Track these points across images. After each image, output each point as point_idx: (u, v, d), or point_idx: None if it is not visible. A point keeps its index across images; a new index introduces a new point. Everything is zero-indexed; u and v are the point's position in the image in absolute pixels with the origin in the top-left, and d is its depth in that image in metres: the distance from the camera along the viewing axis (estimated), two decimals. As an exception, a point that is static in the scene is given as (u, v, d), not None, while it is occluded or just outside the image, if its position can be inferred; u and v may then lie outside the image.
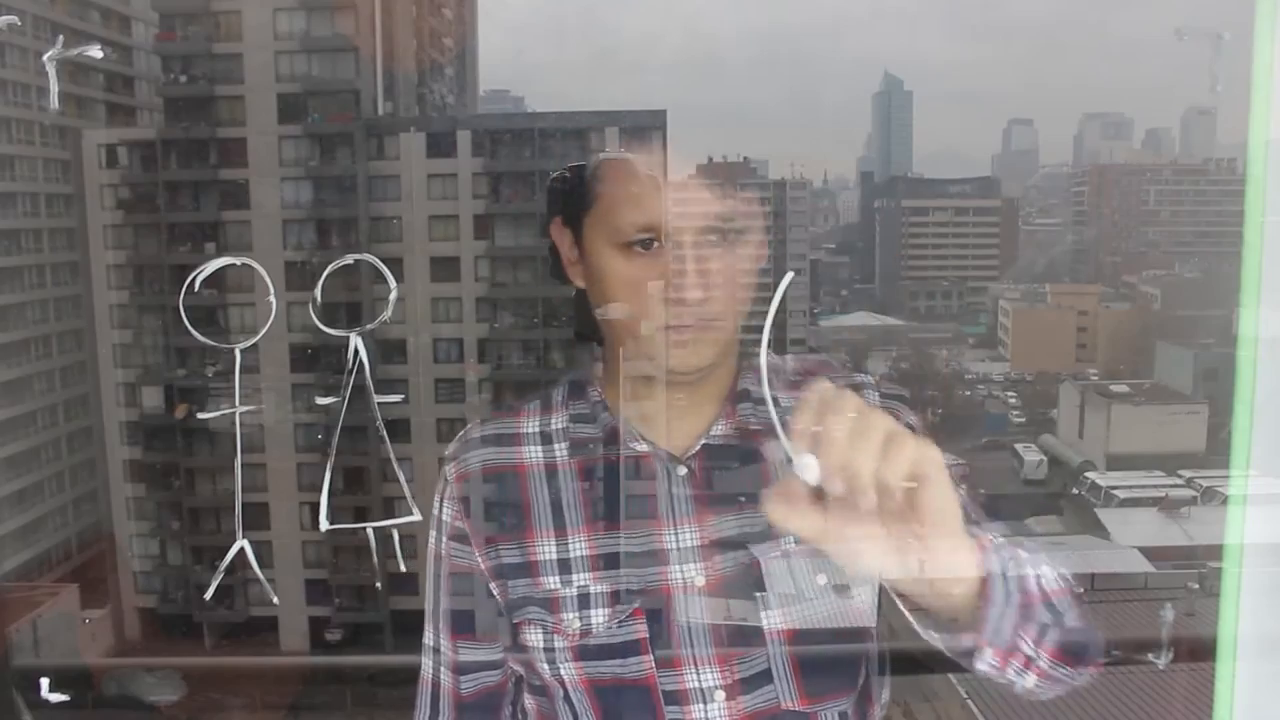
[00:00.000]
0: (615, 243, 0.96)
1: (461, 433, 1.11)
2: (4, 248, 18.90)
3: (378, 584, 18.65)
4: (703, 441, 1.02)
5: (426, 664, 1.12)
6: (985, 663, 0.83)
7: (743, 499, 1.00)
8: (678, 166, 0.96)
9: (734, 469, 1.01)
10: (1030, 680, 0.85)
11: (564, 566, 1.01)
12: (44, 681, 1.46)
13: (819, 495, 0.74)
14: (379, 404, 1.07)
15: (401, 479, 1.12)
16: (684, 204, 0.95)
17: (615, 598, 0.99)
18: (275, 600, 19.61)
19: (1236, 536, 0.87)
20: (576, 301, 1.10)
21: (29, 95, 18.75)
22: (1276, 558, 0.88)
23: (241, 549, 1.12)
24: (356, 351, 1.06)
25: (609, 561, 1.00)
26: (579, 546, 1.01)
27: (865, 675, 1.03)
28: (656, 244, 0.95)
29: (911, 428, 0.89)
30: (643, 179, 0.96)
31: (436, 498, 1.08)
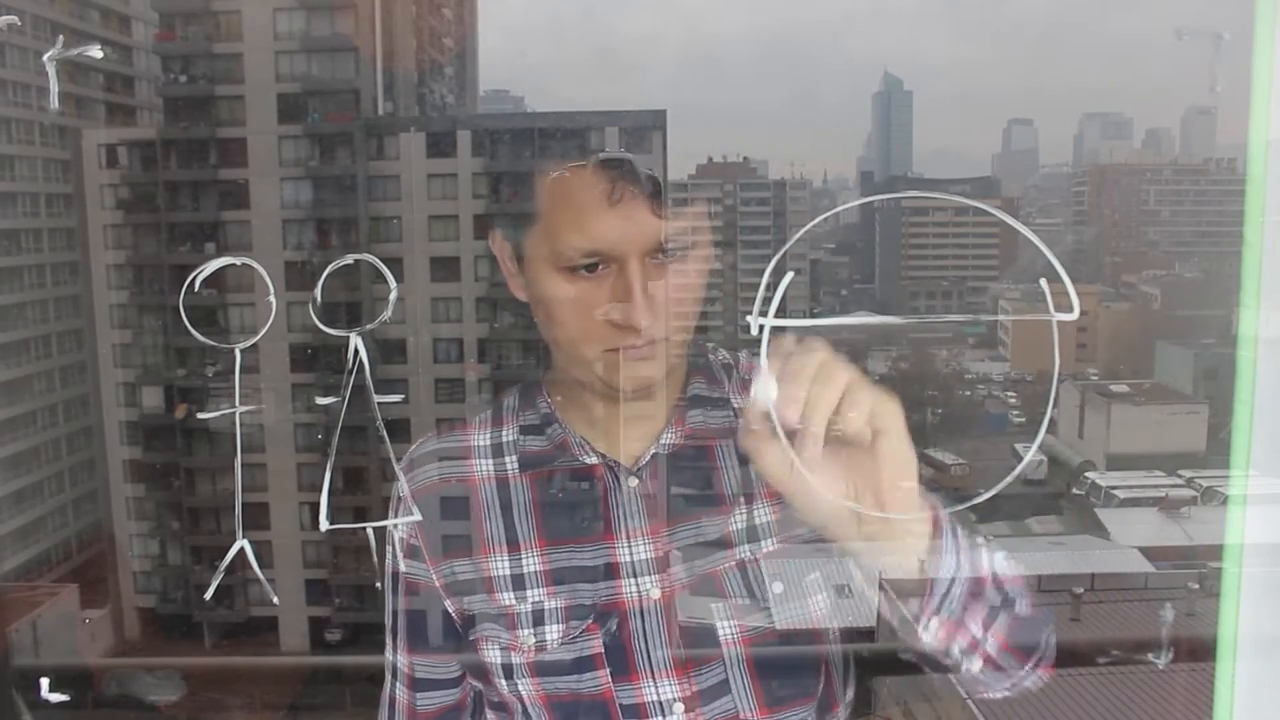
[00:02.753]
0: (558, 265, 0.93)
1: (413, 447, 1.10)
2: (4, 248, 18.90)
3: (378, 584, 18.61)
4: (652, 451, 1.00)
5: (387, 679, 1.12)
6: (931, 635, 0.83)
7: (695, 508, 0.99)
8: (621, 184, 0.91)
9: (685, 478, 1.00)
10: (976, 664, 0.85)
11: (518, 582, 1.00)
12: (44, 681, 1.46)
13: (786, 438, 0.75)
14: (379, 404, 1.07)
15: (401, 479, 1.12)
16: (629, 226, 0.91)
17: (569, 613, 0.99)
18: (275, 600, 19.62)
19: (1236, 536, 0.87)
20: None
21: (29, 95, 18.75)
22: (1276, 558, 0.88)
23: (241, 549, 1.12)
24: (356, 351, 1.06)
25: (562, 576, 0.99)
26: (532, 562, 1.00)
27: (826, 681, 1.02)
28: (601, 267, 0.92)
29: None
30: (584, 201, 0.92)
31: (390, 512, 1.07)
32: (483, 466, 1.05)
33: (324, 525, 1.13)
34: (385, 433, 1.12)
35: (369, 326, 1.09)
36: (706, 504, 0.99)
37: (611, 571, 0.99)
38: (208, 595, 21.16)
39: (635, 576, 0.99)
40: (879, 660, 1.13)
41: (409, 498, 1.06)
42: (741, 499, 0.99)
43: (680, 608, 0.98)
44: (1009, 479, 0.78)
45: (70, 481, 19.36)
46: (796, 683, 1.00)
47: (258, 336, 1.18)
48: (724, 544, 0.98)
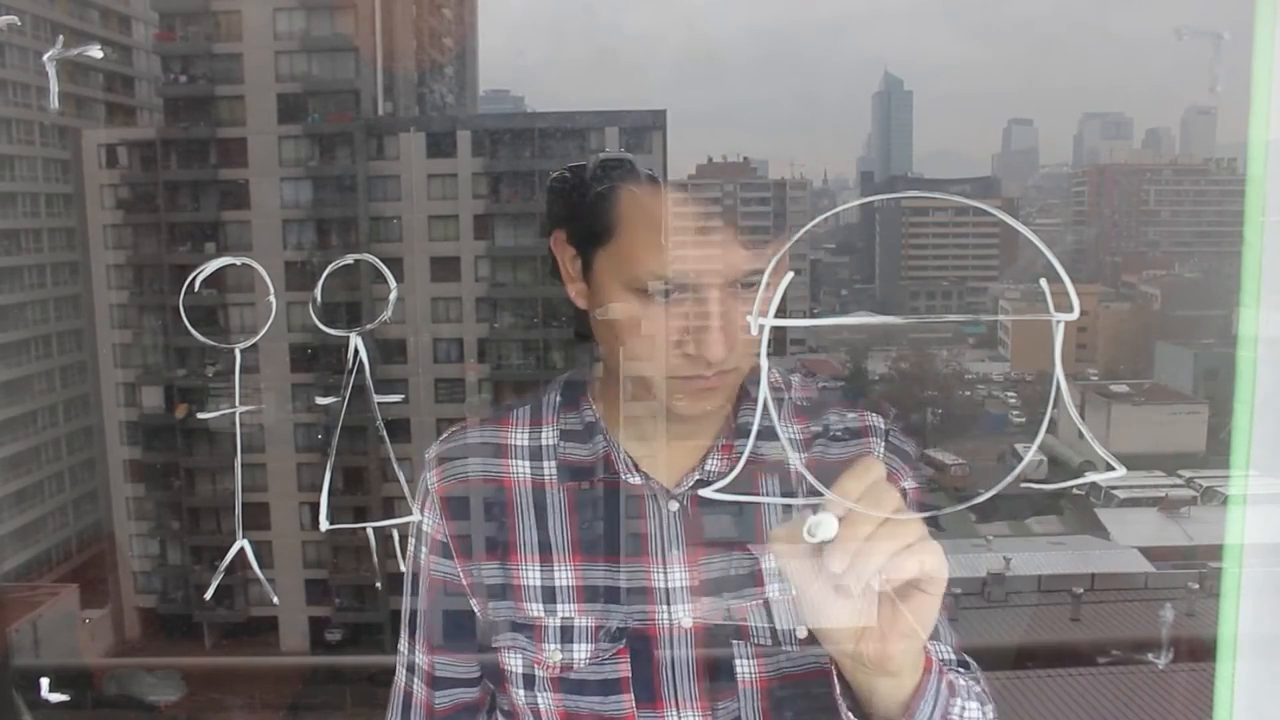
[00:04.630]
0: (632, 287, 0.90)
1: (444, 436, 1.06)
2: (4, 248, 18.89)
3: (378, 584, 18.64)
4: (697, 477, 0.97)
5: (401, 673, 1.09)
6: None
7: (733, 539, 0.97)
8: (715, 213, 0.89)
9: (726, 507, 0.96)
10: None
11: (548, 594, 0.98)
12: (44, 681, 1.46)
13: (817, 550, 0.74)
14: (379, 404, 1.06)
15: (401, 479, 1.11)
16: (716, 257, 0.88)
17: (599, 633, 0.97)
18: (275, 600, 19.61)
19: (1236, 536, 0.87)
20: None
21: (29, 95, 18.74)
22: (1276, 558, 0.88)
23: (241, 549, 1.12)
24: (356, 351, 1.05)
25: (595, 595, 0.97)
26: (565, 576, 0.98)
27: None
28: (676, 293, 0.88)
29: (905, 492, 0.90)
30: (674, 226, 0.89)
31: (416, 506, 1.05)
32: (519, 468, 1.02)
33: (324, 525, 1.13)
34: (385, 433, 1.12)
35: (369, 326, 1.08)
36: (744, 537, 0.97)
37: (646, 596, 0.97)
38: (208, 595, 21.14)
39: (669, 604, 0.97)
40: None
41: (437, 493, 1.03)
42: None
43: (710, 638, 0.97)
44: (1009, 479, 0.78)
45: (70, 481, 19.34)
46: None
47: (258, 336, 1.18)
48: (756, 580, 0.97)
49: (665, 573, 0.97)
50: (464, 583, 1.02)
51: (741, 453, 0.95)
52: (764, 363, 0.77)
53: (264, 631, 17.57)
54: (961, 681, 0.88)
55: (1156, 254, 28.04)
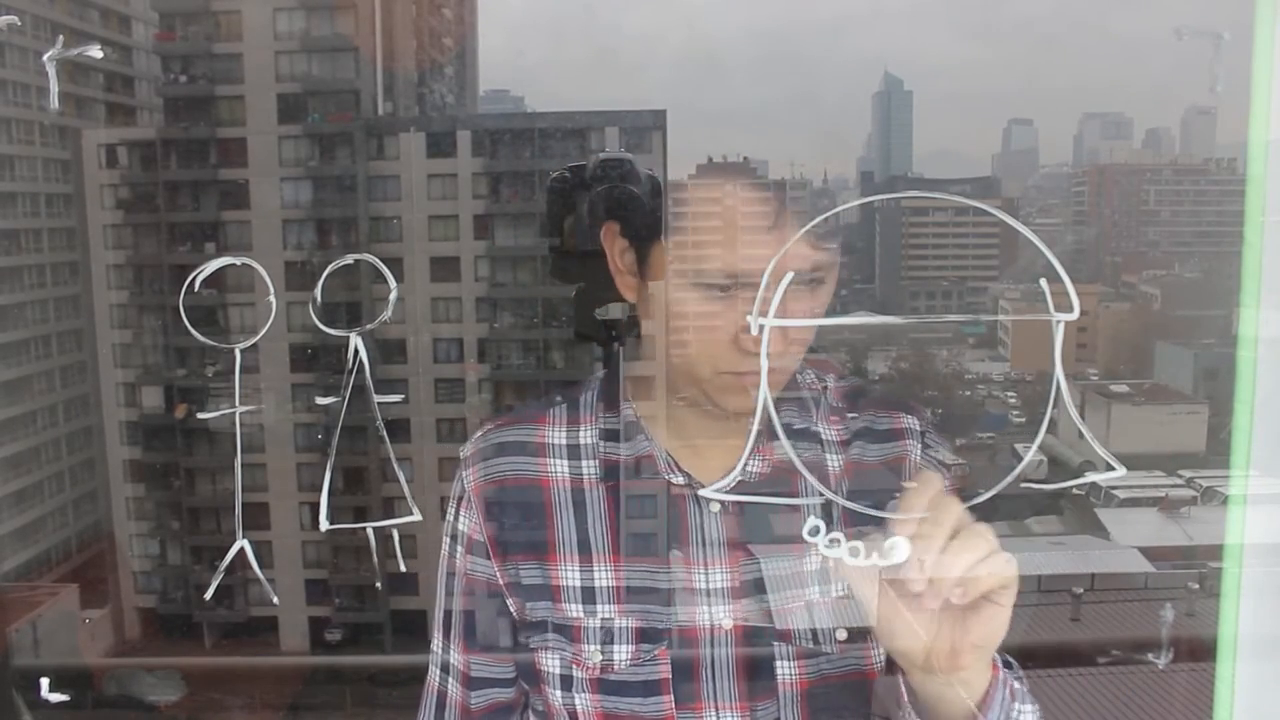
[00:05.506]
0: (693, 281, 0.90)
1: (479, 434, 1.05)
2: (4, 248, 18.88)
3: (378, 584, 18.63)
4: (738, 477, 0.96)
5: (434, 673, 1.08)
6: None
7: (773, 540, 0.97)
8: (785, 209, 0.89)
9: (767, 508, 0.97)
10: None
11: (588, 595, 0.98)
12: (44, 681, 1.46)
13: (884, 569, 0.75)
14: (379, 404, 1.06)
15: (401, 479, 1.12)
16: (780, 253, 0.87)
17: (640, 634, 0.96)
18: (275, 600, 19.58)
19: (1236, 536, 0.87)
20: (576, 301, 1.08)
21: (29, 95, 18.73)
22: (1276, 558, 0.88)
23: (241, 549, 1.12)
24: (356, 351, 1.05)
25: (635, 595, 0.97)
26: (605, 576, 0.97)
27: None
28: (735, 287, 0.88)
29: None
30: (744, 221, 0.89)
31: (452, 505, 1.04)
32: (557, 466, 1.01)
33: (324, 525, 1.13)
34: (385, 433, 1.12)
35: (369, 326, 1.08)
36: (784, 538, 0.97)
37: (687, 597, 0.96)
38: (208, 595, 21.14)
39: (710, 605, 0.96)
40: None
41: (474, 491, 1.03)
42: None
43: (750, 640, 0.97)
44: (1009, 479, 0.78)
45: (70, 481, 19.34)
46: None
47: (258, 336, 1.18)
48: (796, 582, 0.97)
49: (706, 573, 0.97)
50: (501, 582, 1.01)
51: (780, 455, 0.96)
52: (764, 363, 0.77)
53: (264, 631, 17.56)
54: (1017, 685, 0.89)
55: (1156, 254, 28.02)
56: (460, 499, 1.04)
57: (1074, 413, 0.86)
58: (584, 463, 1.01)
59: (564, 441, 1.02)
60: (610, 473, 0.99)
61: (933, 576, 0.73)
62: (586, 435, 1.02)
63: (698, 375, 0.92)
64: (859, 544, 0.79)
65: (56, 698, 1.45)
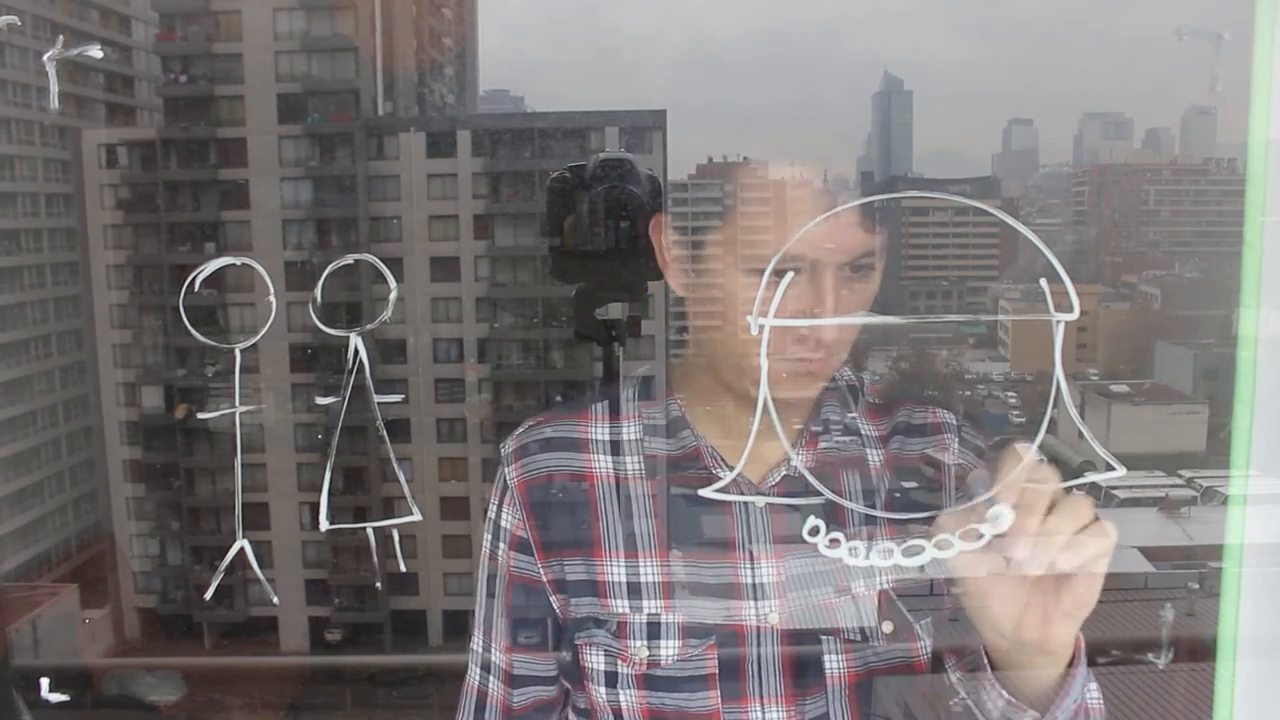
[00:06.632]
0: (750, 266, 0.89)
1: (520, 431, 1.05)
2: (4, 248, 18.88)
3: (378, 584, 18.64)
4: (784, 472, 0.97)
5: (475, 672, 1.07)
6: None
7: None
8: (844, 193, 0.89)
9: (813, 503, 0.97)
10: None
11: (634, 591, 0.97)
12: (44, 681, 1.46)
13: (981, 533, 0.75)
14: (379, 404, 1.06)
15: (401, 479, 1.12)
16: (839, 236, 0.87)
17: (687, 630, 0.96)
18: (275, 600, 19.56)
19: (1236, 536, 0.87)
20: (576, 301, 1.08)
21: (29, 95, 18.73)
22: (1276, 558, 0.88)
23: (241, 549, 1.12)
24: (356, 351, 1.05)
25: (682, 591, 0.96)
26: (650, 572, 0.97)
27: None
28: (791, 272, 0.87)
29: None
30: (802, 204, 0.88)
31: (494, 502, 1.03)
32: (601, 462, 1.00)
33: (324, 525, 1.12)
34: (385, 433, 1.12)
35: (369, 326, 1.08)
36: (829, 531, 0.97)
37: (734, 592, 0.96)
38: (208, 595, 21.15)
39: (756, 600, 0.96)
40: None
41: (518, 487, 1.02)
42: (863, 532, 0.97)
43: (796, 635, 0.97)
44: (1009, 479, 0.78)
45: (70, 481, 19.33)
46: None
47: (258, 336, 1.18)
48: (841, 576, 0.96)
49: (753, 569, 0.97)
50: (545, 579, 1.01)
51: (824, 450, 0.97)
52: (764, 363, 0.77)
53: (264, 631, 17.56)
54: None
55: (1156, 254, 28.02)
56: (503, 495, 1.03)
57: (1074, 413, 0.86)
58: (628, 458, 1.00)
59: (606, 437, 1.02)
60: (656, 467, 0.99)
61: (1038, 546, 0.74)
62: (630, 431, 1.02)
63: (752, 365, 0.91)
64: (859, 544, 0.79)
65: (56, 698, 1.45)
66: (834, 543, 0.80)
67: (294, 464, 16.69)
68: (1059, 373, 0.81)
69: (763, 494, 0.96)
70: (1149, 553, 14.33)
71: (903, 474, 0.78)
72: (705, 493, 0.87)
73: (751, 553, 0.97)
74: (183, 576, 18.38)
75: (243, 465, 1.22)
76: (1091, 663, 0.90)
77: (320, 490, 1.13)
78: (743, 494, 0.96)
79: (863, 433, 1.00)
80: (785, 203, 0.90)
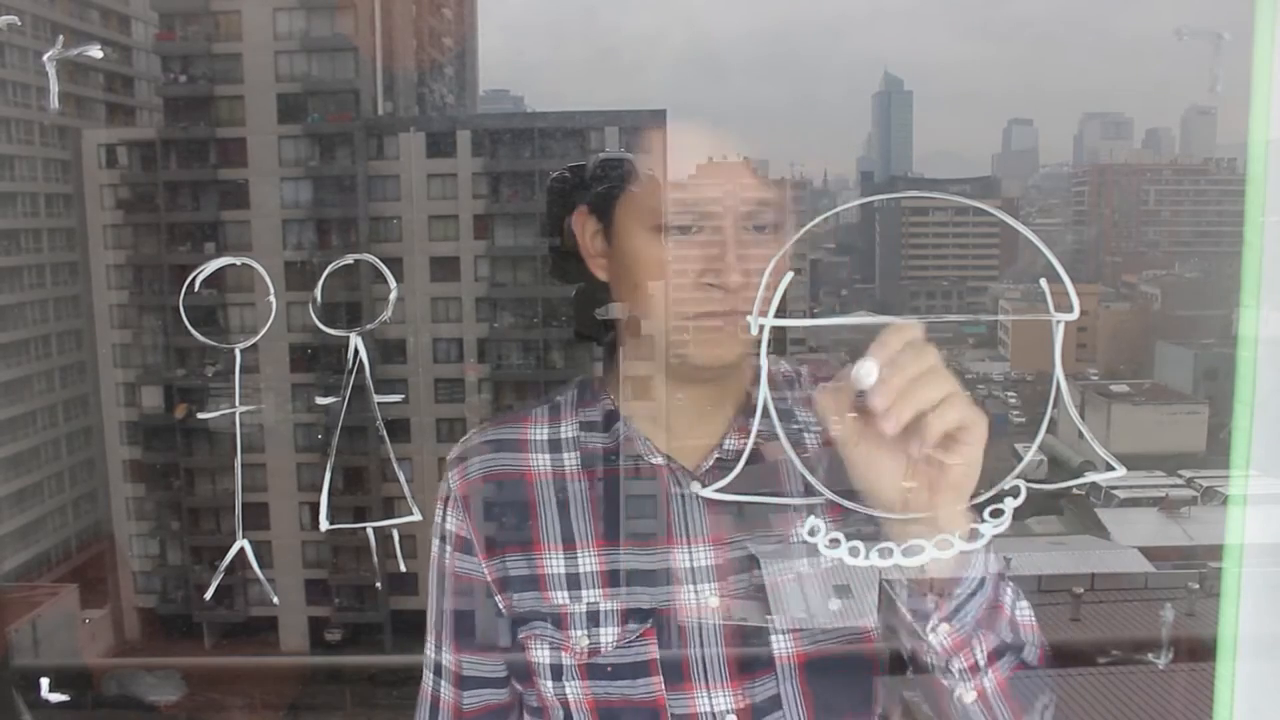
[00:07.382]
0: (651, 225, 0.93)
1: (464, 437, 1.07)
2: (4, 248, 18.88)
3: (378, 584, 18.65)
4: (716, 456, 0.98)
5: (428, 677, 1.09)
6: (937, 640, 0.83)
7: (756, 518, 0.97)
8: (728, 143, 0.93)
9: (748, 486, 0.96)
10: (969, 695, 0.85)
11: (573, 581, 0.98)
12: (44, 681, 1.46)
13: (862, 408, 0.77)
14: (379, 404, 1.07)
15: (401, 479, 1.12)
16: (726, 188, 0.92)
17: (626, 616, 0.97)
18: (275, 600, 19.57)
19: (1236, 536, 0.87)
20: (576, 301, 1.08)
21: (29, 95, 18.73)
22: (1276, 558, 0.88)
23: (241, 549, 1.12)
24: (356, 351, 1.05)
25: (620, 579, 0.98)
26: (589, 562, 0.98)
27: (877, 701, 1.01)
28: (695, 230, 0.92)
29: None
30: (691, 157, 0.93)
31: (439, 506, 1.05)
32: (540, 461, 1.03)
33: (324, 525, 1.12)
34: (385, 433, 1.12)
35: (369, 326, 1.08)
36: (767, 514, 0.97)
37: (671, 577, 0.97)
38: (208, 595, 21.15)
39: (694, 584, 0.97)
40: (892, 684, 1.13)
41: (460, 491, 1.04)
42: (803, 511, 0.98)
43: (738, 618, 0.97)
44: (1009, 479, 0.79)
45: (70, 481, 19.34)
46: (847, 699, 0.98)
47: (258, 336, 1.18)
48: (783, 556, 0.97)
49: (690, 553, 0.98)
50: (489, 578, 1.02)
51: (758, 431, 0.97)
52: (764, 363, 0.78)
53: (264, 631, 17.56)
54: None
55: (1156, 254, 28.03)
56: (446, 499, 1.05)
57: (1074, 413, 0.86)
58: (565, 455, 1.02)
59: (545, 437, 1.04)
60: (591, 460, 1.01)
61: (899, 398, 0.75)
62: (567, 429, 1.04)
63: (673, 330, 0.94)
64: (859, 544, 0.80)
65: (56, 698, 1.45)
66: (834, 542, 0.81)
67: (294, 464, 16.70)
68: (1059, 373, 0.81)
69: (696, 479, 0.96)
70: (1149, 553, 14.34)
71: (837, 459, 0.80)
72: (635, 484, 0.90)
73: (688, 537, 0.97)
74: (183, 576, 18.38)
75: (243, 465, 1.22)
76: (1092, 662, 0.89)
77: (320, 490, 1.14)
78: (679, 480, 0.98)
79: (799, 416, 1.00)
80: (679, 159, 0.93)
